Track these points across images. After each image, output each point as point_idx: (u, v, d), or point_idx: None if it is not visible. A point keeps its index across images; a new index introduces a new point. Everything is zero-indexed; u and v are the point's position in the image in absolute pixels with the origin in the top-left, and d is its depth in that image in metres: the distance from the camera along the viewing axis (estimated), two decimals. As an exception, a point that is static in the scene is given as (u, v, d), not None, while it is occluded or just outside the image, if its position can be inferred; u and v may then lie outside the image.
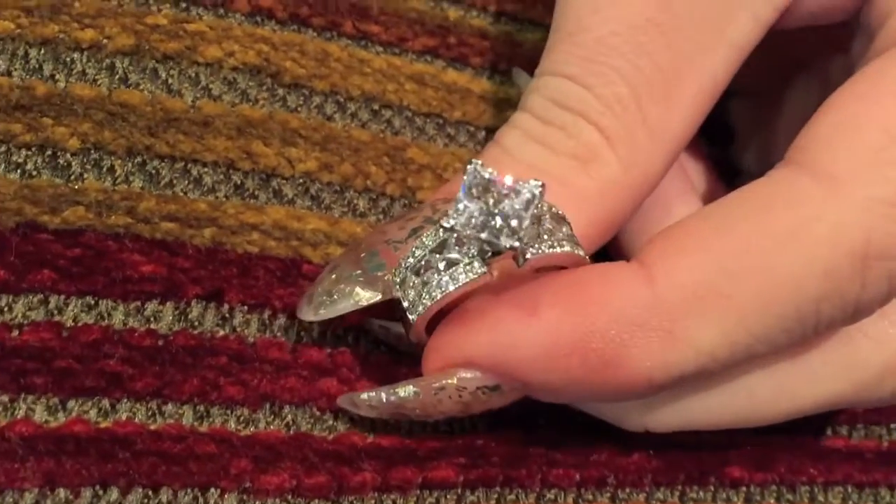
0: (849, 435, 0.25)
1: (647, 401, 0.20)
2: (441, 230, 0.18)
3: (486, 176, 0.17)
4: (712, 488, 0.22)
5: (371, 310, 0.19)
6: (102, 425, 0.19)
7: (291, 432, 0.20)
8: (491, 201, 0.17)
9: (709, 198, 0.24)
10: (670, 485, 0.22)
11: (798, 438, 0.23)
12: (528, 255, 0.18)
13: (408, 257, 0.18)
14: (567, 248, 0.18)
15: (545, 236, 0.18)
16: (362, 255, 0.19)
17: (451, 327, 0.19)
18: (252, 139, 0.22)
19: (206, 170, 0.22)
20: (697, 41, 0.20)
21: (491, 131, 0.25)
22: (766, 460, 0.23)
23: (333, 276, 0.19)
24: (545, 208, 0.18)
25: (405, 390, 0.19)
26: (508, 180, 0.17)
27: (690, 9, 0.20)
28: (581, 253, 0.18)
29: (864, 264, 0.18)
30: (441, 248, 0.18)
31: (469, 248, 0.17)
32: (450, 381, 0.19)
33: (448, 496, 0.20)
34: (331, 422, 0.20)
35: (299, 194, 0.22)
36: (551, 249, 0.18)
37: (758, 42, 0.21)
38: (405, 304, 0.18)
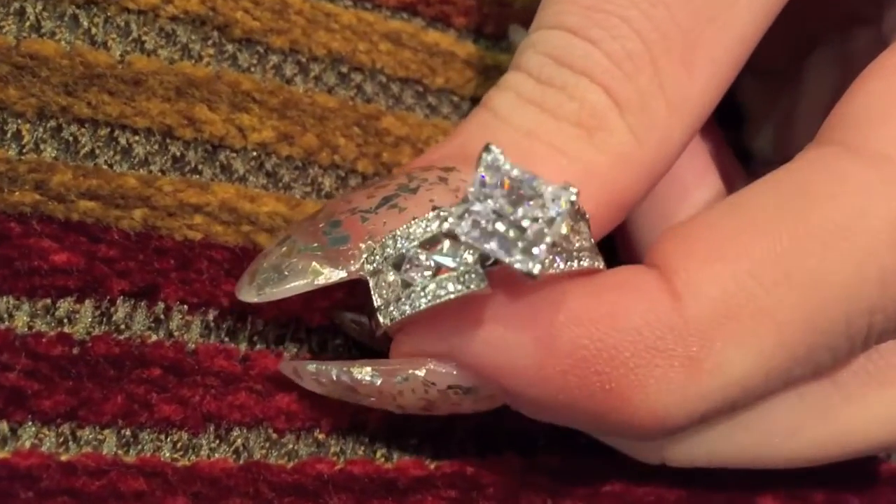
0: (888, 457, 0.22)
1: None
2: (438, 223, 0.14)
3: (510, 170, 0.14)
4: (746, 521, 0.19)
5: (329, 295, 0.16)
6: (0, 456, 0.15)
7: (242, 461, 0.16)
8: (509, 203, 0.14)
9: (727, 182, 0.21)
10: (699, 518, 0.18)
11: (837, 464, 0.20)
12: (535, 271, 0.14)
13: (386, 243, 0.15)
14: (585, 264, 0.15)
15: (560, 247, 0.15)
16: (321, 224, 0.16)
17: (438, 311, 0.15)
18: (195, 102, 0.18)
19: (136, 138, 0.18)
20: None
21: (478, 101, 0.21)
22: (802, 490, 0.20)
23: (284, 249, 0.16)
24: (565, 204, 0.15)
25: (362, 372, 0.16)
26: (537, 183, 0.14)
27: None
28: (599, 265, 0.15)
29: None
30: (432, 244, 0.14)
31: (467, 254, 0.14)
32: (418, 372, 0.15)
33: (437, 538, 0.16)
34: (291, 445, 0.17)
35: (252, 170, 0.18)
36: (568, 265, 0.15)
37: (785, 2, 0.18)
38: (377, 301, 0.15)
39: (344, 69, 0.20)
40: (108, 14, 0.18)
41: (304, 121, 0.19)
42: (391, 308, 0.15)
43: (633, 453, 0.18)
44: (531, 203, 0.14)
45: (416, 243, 0.14)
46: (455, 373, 0.15)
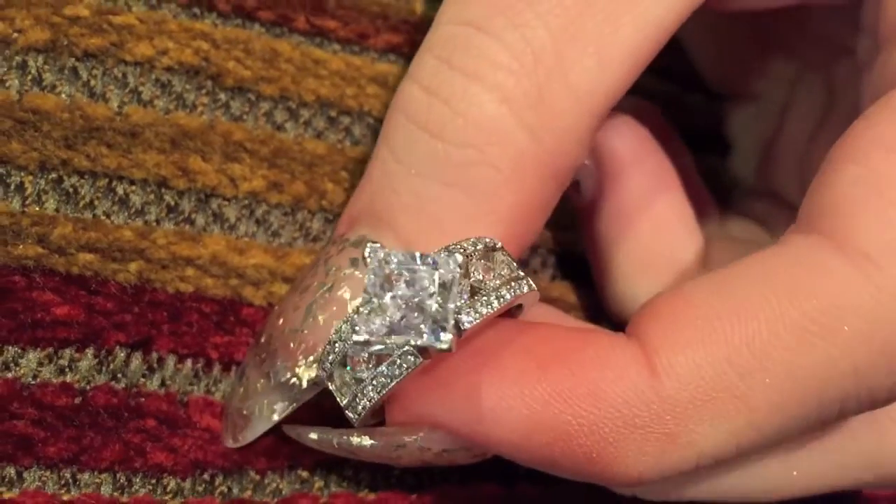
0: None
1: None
2: (350, 329, 0.15)
3: (396, 260, 0.15)
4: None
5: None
6: (6, 496, 0.16)
7: (228, 501, 0.17)
8: (407, 289, 0.15)
9: (699, 213, 0.22)
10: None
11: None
12: (466, 326, 0.15)
13: (328, 348, 0.16)
14: (507, 297, 0.16)
15: (478, 292, 0.15)
16: (264, 356, 0.17)
17: (421, 381, 0.16)
18: (189, 153, 0.19)
19: (133, 188, 0.19)
20: None
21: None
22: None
23: (242, 390, 0.17)
24: (469, 251, 0.16)
25: (360, 440, 0.17)
26: (421, 261, 0.15)
27: None
28: (524, 290, 0.16)
29: None
30: (363, 343, 0.15)
31: (395, 342, 0.15)
32: (412, 440, 0.16)
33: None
34: (275, 484, 0.18)
35: (243, 217, 0.19)
36: (488, 308, 0.15)
37: None
38: (342, 402, 0.16)
39: (333, 113, 0.21)
40: (106, 66, 0.19)
41: (294, 168, 0.20)
42: (356, 405, 0.16)
43: (608, 485, 0.19)
44: (421, 282, 0.15)
45: (348, 343, 0.15)
46: (447, 437, 0.16)
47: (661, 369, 0.15)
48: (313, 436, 0.17)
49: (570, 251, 0.23)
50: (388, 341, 0.15)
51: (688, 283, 0.17)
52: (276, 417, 0.17)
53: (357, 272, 0.16)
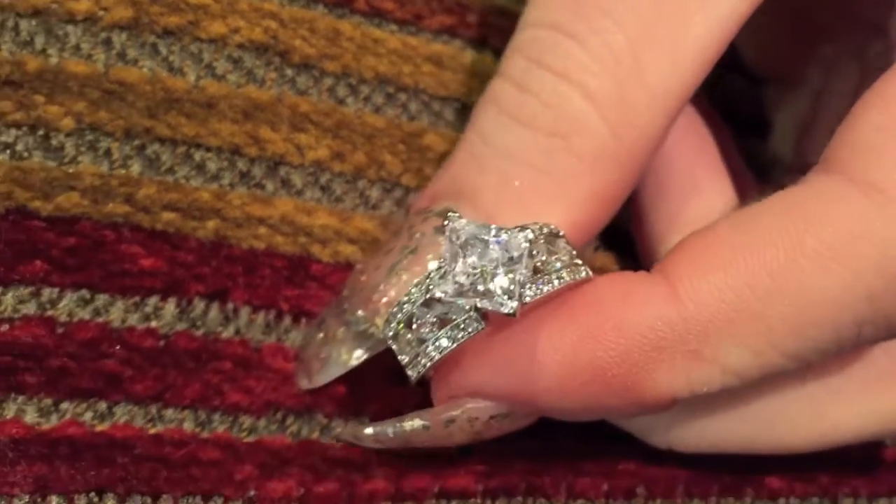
0: (893, 442, 0.24)
1: (672, 420, 0.19)
2: (427, 289, 0.16)
3: (471, 231, 0.16)
4: (749, 500, 0.21)
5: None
6: (98, 428, 0.17)
7: (299, 439, 0.19)
8: (477, 258, 0.16)
9: (736, 183, 0.23)
10: (704, 496, 0.21)
11: (842, 448, 0.22)
12: (527, 299, 0.16)
13: (396, 309, 0.17)
14: (566, 278, 0.17)
15: (540, 272, 0.17)
16: (345, 307, 0.18)
17: (459, 358, 0.17)
18: (259, 123, 0.21)
19: (209, 155, 0.20)
20: None
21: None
22: (807, 470, 0.22)
23: (320, 336, 0.18)
24: (535, 234, 0.17)
25: (413, 424, 0.18)
26: (493, 231, 0.16)
27: None
28: (582, 275, 0.17)
29: None
30: (430, 304, 0.17)
31: (461, 307, 0.16)
32: (460, 413, 0.17)
33: (465, 508, 0.19)
34: (339, 429, 0.19)
35: (309, 184, 0.21)
36: (547, 286, 0.17)
37: None
38: (402, 360, 0.17)
39: (391, 90, 0.23)
40: (183, 43, 0.21)
41: (355, 140, 0.22)
42: (416, 364, 0.17)
43: (643, 437, 0.20)
44: (492, 253, 0.16)
45: (416, 304, 0.17)
46: (491, 404, 0.17)
47: (684, 293, 0.16)
48: (369, 431, 0.18)
49: (612, 223, 0.24)
50: (456, 303, 0.16)
51: (711, 223, 0.18)
52: (352, 363, 0.18)
53: (440, 239, 0.17)
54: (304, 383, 0.18)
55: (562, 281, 0.17)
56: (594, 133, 0.17)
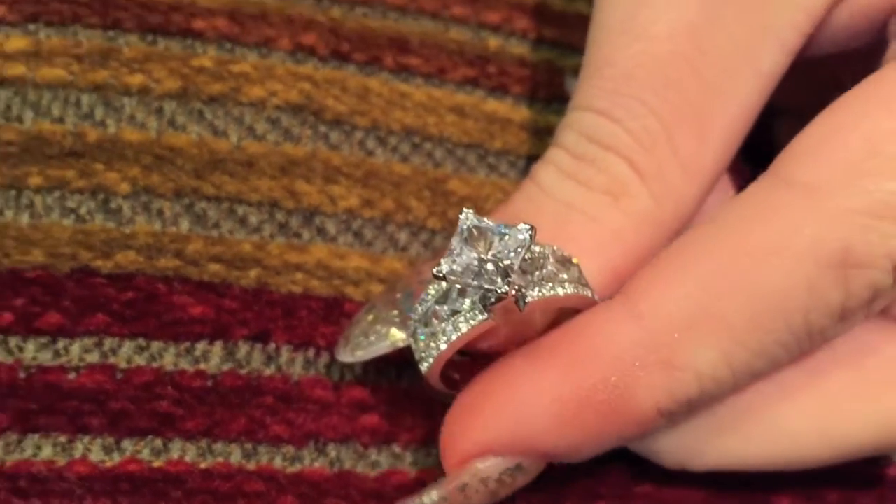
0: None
1: (680, 441, 0.20)
2: (439, 281, 0.18)
3: (479, 223, 0.17)
4: (757, 519, 0.22)
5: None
6: (155, 465, 0.19)
7: (336, 469, 0.20)
8: (484, 247, 0.17)
9: None
10: (714, 516, 0.22)
11: (850, 466, 0.23)
12: (529, 299, 0.18)
13: (416, 308, 0.18)
14: (569, 290, 0.18)
15: (547, 279, 0.18)
16: (398, 294, 0.20)
17: (459, 418, 0.19)
18: (295, 178, 0.23)
19: (251, 209, 0.22)
20: (726, 71, 0.20)
21: (532, 159, 0.25)
22: (816, 490, 0.23)
23: (370, 317, 0.20)
24: (548, 251, 0.18)
25: (430, 497, 0.19)
26: (499, 226, 0.17)
27: (717, 40, 0.20)
28: (587, 293, 0.19)
29: (845, 274, 0.18)
30: (444, 298, 0.18)
31: (470, 296, 0.18)
32: (471, 477, 0.19)
33: (490, 531, 0.21)
34: (374, 457, 0.21)
35: (341, 231, 0.23)
36: (551, 292, 0.18)
37: (786, 69, 0.21)
38: (416, 356, 0.18)
39: (417, 140, 0.24)
40: (226, 107, 0.23)
41: (383, 187, 0.24)
42: (426, 356, 0.18)
43: (657, 460, 0.22)
44: (500, 241, 0.17)
45: (433, 301, 0.18)
46: (500, 461, 0.19)
47: (645, 309, 0.18)
48: None
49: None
50: (462, 280, 0.17)
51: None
52: (399, 343, 0.19)
53: None
54: (346, 356, 0.20)
55: (564, 292, 0.18)
56: (640, 198, 0.20)
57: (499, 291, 0.17)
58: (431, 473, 0.21)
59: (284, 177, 0.23)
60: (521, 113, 0.26)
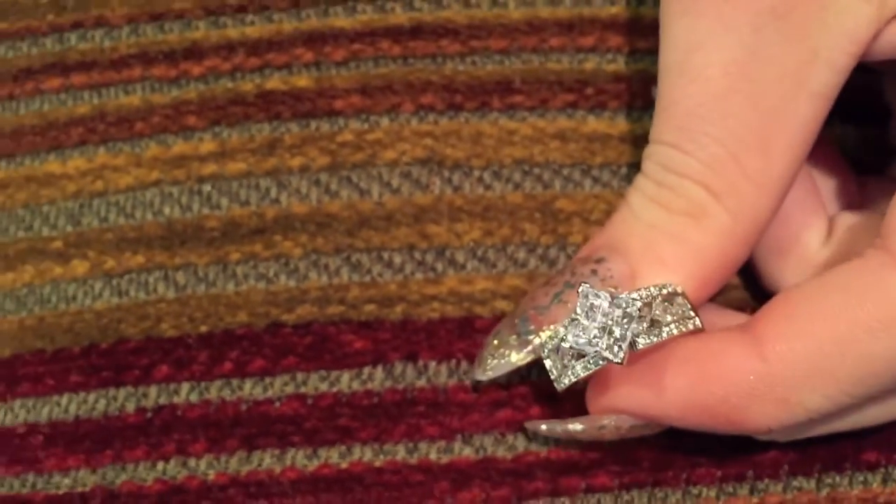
0: None
1: (786, 433, 0.24)
2: (563, 334, 0.23)
3: (595, 301, 0.22)
4: (849, 473, 0.25)
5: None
6: (342, 466, 0.26)
7: (480, 456, 0.26)
8: (601, 318, 0.22)
9: (846, 204, 0.26)
10: (807, 473, 0.25)
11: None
12: (640, 347, 0.22)
13: (551, 336, 0.23)
14: (674, 331, 0.22)
15: (654, 325, 0.22)
16: (516, 321, 0.25)
17: (599, 389, 0.24)
18: (426, 223, 0.28)
19: (394, 254, 0.28)
20: (779, 97, 0.23)
21: (633, 167, 0.29)
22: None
23: (495, 342, 0.25)
24: (655, 293, 0.23)
25: (573, 426, 0.25)
26: (610, 298, 0.22)
27: (766, 70, 0.23)
28: (690, 327, 0.23)
29: None
30: (568, 347, 0.23)
31: (588, 350, 0.22)
32: (609, 421, 0.24)
33: (606, 498, 0.25)
34: (511, 441, 0.26)
35: (469, 258, 0.28)
36: (658, 338, 0.22)
37: (841, 86, 0.23)
38: (552, 375, 0.23)
39: (526, 168, 0.29)
40: (368, 171, 0.29)
41: (500, 218, 0.28)
42: (560, 381, 0.23)
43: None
44: (614, 313, 0.22)
45: (560, 340, 0.23)
46: (633, 419, 0.24)
47: (772, 355, 0.22)
48: (544, 427, 0.25)
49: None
50: (584, 349, 0.23)
51: (792, 288, 0.23)
52: (519, 363, 0.24)
53: (595, 278, 0.24)
54: (480, 375, 0.25)
55: (670, 334, 0.23)
56: (718, 216, 0.23)
57: (615, 361, 0.22)
58: (558, 452, 0.26)
59: (417, 223, 0.28)
60: (619, 126, 0.29)
